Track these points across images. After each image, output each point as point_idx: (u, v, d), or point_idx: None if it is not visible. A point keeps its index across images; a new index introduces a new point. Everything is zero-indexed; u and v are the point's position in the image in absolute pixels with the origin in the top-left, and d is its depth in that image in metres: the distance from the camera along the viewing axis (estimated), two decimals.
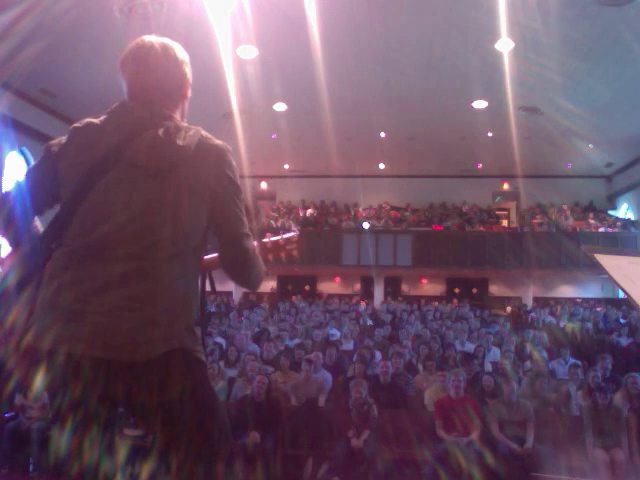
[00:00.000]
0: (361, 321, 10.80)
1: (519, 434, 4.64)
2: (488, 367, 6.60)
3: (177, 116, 1.44)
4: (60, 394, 1.23)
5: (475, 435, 4.61)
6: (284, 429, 4.82)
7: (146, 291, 1.24)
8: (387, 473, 4.39)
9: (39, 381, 1.22)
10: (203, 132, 1.40)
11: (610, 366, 6.05)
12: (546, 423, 4.83)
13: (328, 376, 5.84)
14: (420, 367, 6.55)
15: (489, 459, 4.30)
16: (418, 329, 9.13)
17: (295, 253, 1.74)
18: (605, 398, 4.70)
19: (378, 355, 6.90)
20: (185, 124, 1.42)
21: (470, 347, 7.59)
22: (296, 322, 10.09)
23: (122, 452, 1.21)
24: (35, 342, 1.21)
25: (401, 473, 4.50)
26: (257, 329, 9.24)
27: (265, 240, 1.72)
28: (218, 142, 1.41)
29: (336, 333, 9.00)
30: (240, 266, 1.41)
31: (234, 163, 1.41)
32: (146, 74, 1.40)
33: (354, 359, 6.53)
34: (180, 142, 1.32)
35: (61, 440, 1.21)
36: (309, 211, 16.89)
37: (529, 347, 7.27)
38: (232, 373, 6.10)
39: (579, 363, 6.39)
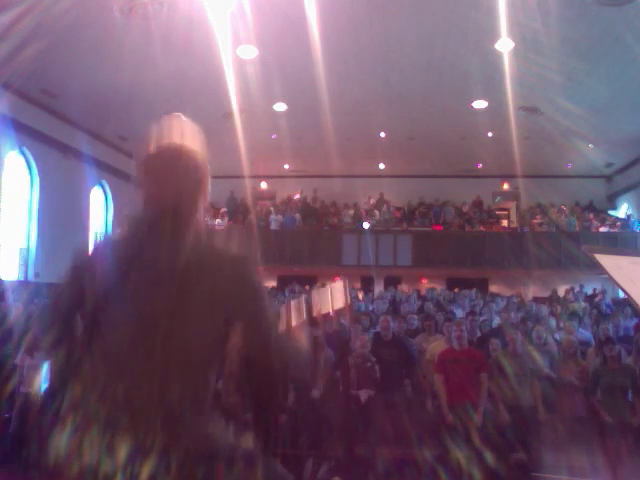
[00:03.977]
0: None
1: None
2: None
3: (198, 215, 1.43)
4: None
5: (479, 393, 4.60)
6: (284, 429, 4.81)
7: None
8: (387, 473, 4.39)
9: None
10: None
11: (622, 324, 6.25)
12: (546, 423, 4.82)
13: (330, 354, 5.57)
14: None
15: (489, 459, 4.30)
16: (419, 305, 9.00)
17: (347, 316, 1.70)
18: (613, 350, 4.61)
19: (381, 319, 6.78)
20: (203, 228, 1.42)
21: None
22: None
23: (122, 452, 1.20)
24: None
25: (401, 473, 4.50)
26: None
27: (315, 316, 1.69)
28: (233, 252, 1.41)
29: None
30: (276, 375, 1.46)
31: (252, 269, 1.40)
32: (170, 178, 1.39)
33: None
34: (195, 249, 1.33)
35: (61, 440, 1.21)
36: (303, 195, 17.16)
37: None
38: None
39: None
